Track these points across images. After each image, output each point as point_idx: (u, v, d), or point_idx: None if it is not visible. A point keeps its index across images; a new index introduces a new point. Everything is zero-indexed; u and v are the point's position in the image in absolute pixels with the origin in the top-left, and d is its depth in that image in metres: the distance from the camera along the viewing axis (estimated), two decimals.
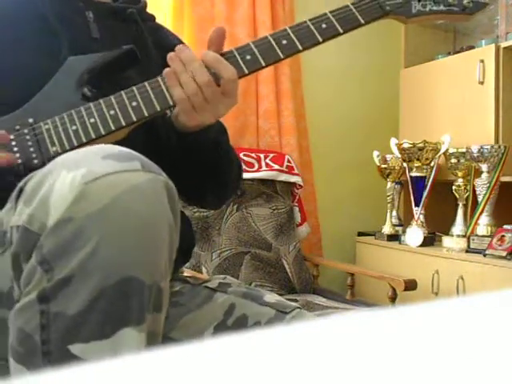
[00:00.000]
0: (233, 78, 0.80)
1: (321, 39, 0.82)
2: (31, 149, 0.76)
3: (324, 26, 0.82)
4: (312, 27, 0.82)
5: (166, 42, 0.99)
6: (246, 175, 2.07)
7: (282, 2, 2.30)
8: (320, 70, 2.53)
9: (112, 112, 0.78)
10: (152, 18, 1.01)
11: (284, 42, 0.82)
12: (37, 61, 0.82)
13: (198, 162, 0.89)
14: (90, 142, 0.77)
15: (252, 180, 2.11)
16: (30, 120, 0.78)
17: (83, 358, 0.51)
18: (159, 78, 0.80)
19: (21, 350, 0.53)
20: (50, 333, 0.52)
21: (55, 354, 0.52)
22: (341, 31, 0.83)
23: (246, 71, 0.82)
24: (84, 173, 0.53)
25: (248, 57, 0.81)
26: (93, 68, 0.82)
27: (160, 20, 1.08)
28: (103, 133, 0.77)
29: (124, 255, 0.52)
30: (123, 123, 0.78)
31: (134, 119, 0.79)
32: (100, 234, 0.51)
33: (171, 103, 0.80)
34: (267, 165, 2.14)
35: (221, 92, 0.80)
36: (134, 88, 0.80)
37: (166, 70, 0.80)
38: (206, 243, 1.99)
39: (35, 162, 0.75)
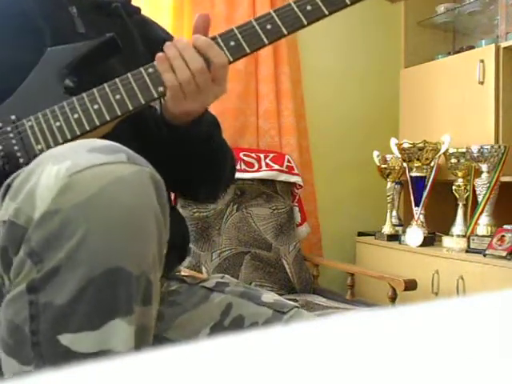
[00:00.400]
0: (223, 63, 0.78)
1: (306, 22, 0.79)
2: (15, 147, 0.74)
3: (309, 7, 0.79)
4: (296, 9, 0.79)
5: (152, 35, 0.98)
6: (245, 175, 2.07)
7: (282, 2, 2.30)
8: (320, 70, 2.53)
9: (96, 106, 0.76)
10: (137, 10, 0.99)
11: (268, 26, 0.79)
12: (20, 57, 0.80)
13: (190, 155, 0.87)
14: (75, 138, 0.74)
15: (252, 180, 2.11)
16: (13, 117, 0.76)
17: (72, 348, 0.51)
18: (142, 69, 0.78)
19: (11, 342, 0.54)
20: (40, 323, 0.52)
21: (44, 344, 0.52)
22: (326, 13, 0.80)
23: (231, 58, 0.79)
24: (69, 165, 0.53)
25: (232, 43, 0.79)
26: (73, 58, 0.79)
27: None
28: (88, 128, 0.75)
29: (110, 246, 0.52)
30: (107, 118, 0.76)
31: (119, 113, 0.76)
32: (87, 224, 0.51)
33: (156, 95, 0.78)
34: (267, 165, 2.14)
35: (211, 79, 0.78)
36: (117, 80, 0.77)
37: (159, 54, 0.78)
38: (206, 243, 1.99)
39: (21, 160, 0.74)
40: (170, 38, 1.03)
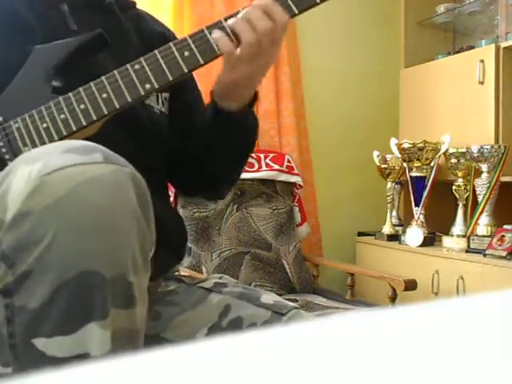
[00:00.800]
0: (285, 23, 0.77)
1: (297, 11, 0.78)
2: (3, 150, 0.74)
3: None
4: None
5: (148, 29, 0.97)
6: (245, 175, 2.07)
7: None
8: (320, 70, 2.53)
9: (82, 106, 0.74)
10: (132, 4, 0.98)
11: None
12: (10, 57, 0.79)
13: (235, 146, 0.89)
14: (62, 139, 0.73)
15: (252, 180, 2.11)
16: (0, 119, 0.75)
17: (48, 353, 0.51)
18: (128, 66, 0.76)
19: None
20: (15, 326, 0.52)
21: (20, 347, 0.52)
22: (317, 0, 0.78)
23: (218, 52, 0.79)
24: (40, 167, 0.52)
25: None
26: (60, 57, 0.77)
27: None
28: (74, 129, 0.74)
29: (81, 248, 0.51)
30: (94, 117, 0.74)
31: (105, 112, 0.75)
32: (56, 226, 0.50)
33: (142, 93, 0.76)
34: (267, 165, 2.14)
35: (271, 40, 0.77)
36: (104, 78, 0.76)
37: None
38: (206, 243, 1.99)
39: (8, 163, 0.72)
40: (169, 32, 1.02)
